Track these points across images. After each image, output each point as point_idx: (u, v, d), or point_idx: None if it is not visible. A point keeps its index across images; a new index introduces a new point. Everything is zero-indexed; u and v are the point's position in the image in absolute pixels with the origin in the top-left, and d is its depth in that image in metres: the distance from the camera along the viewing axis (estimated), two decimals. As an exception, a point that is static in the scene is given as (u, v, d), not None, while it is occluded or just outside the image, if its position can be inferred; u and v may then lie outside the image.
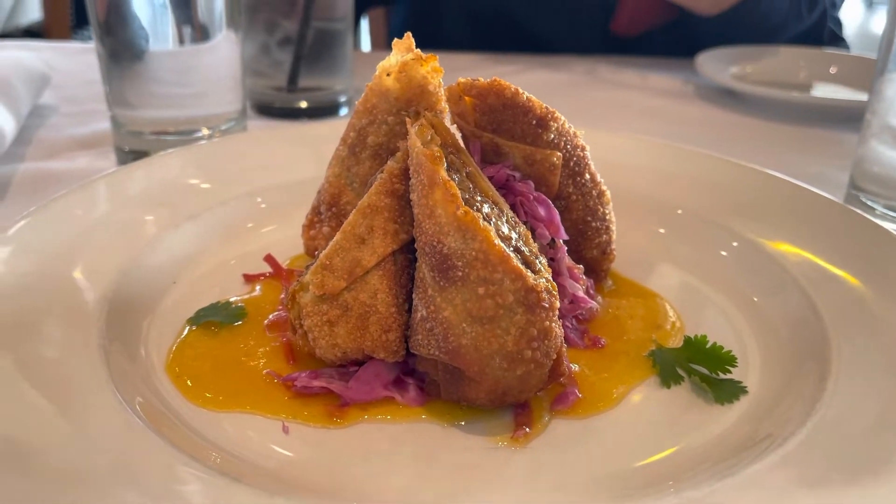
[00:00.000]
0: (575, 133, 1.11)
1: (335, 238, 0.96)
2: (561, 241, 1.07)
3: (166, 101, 1.62)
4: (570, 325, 1.07)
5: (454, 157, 0.97)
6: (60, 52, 2.54)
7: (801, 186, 1.33)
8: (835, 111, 2.06)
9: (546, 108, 1.06)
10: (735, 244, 1.27)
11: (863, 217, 1.21)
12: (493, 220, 0.91)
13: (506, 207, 0.97)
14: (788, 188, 1.34)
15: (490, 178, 1.03)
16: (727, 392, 0.97)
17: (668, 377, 0.99)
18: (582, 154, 1.12)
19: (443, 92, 1.07)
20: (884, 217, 1.41)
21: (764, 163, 1.80)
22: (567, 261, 1.08)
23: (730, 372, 0.99)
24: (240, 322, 1.08)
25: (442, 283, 0.87)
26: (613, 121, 2.11)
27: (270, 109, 2.00)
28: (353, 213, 0.97)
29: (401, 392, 0.94)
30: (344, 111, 2.01)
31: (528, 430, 0.90)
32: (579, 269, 1.10)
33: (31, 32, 5.10)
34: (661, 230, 1.36)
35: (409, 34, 1.07)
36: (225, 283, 1.19)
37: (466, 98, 1.05)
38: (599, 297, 1.16)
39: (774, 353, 1.05)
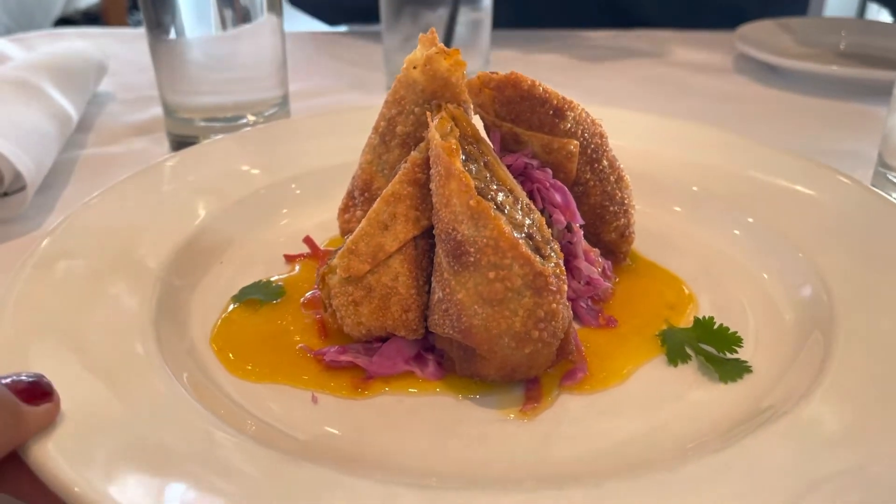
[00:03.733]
0: (593, 121, 1.16)
1: (361, 224, 1.03)
2: (577, 225, 1.12)
3: (211, 87, 1.71)
4: (584, 306, 1.13)
5: (473, 147, 1.03)
6: (117, 38, 2.66)
7: (819, 165, 1.35)
8: (877, 84, 2.04)
9: (563, 98, 1.11)
10: (750, 220, 1.31)
11: (881, 196, 1.23)
12: (508, 207, 0.97)
13: (522, 195, 1.02)
14: (806, 167, 1.36)
15: (509, 167, 1.09)
16: (731, 371, 1.01)
17: (675, 356, 1.04)
18: (600, 141, 1.17)
19: (465, 84, 1.13)
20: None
21: (797, 139, 1.82)
22: (584, 244, 1.14)
23: (736, 352, 1.04)
24: (279, 300, 1.17)
25: (456, 268, 0.94)
26: (648, 99, 2.13)
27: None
28: (377, 201, 1.04)
29: (420, 367, 1.01)
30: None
31: (536, 404, 0.97)
32: (595, 251, 1.15)
33: (90, 15, 5.29)
34: (678, 208, 1.40)
35: (433, 28, 1.13)
36: (268, 263, 1.28)
37: (486, 90, 1.11)
38: (617, 278, 1.21)
39: (782, 331, 1.09)
